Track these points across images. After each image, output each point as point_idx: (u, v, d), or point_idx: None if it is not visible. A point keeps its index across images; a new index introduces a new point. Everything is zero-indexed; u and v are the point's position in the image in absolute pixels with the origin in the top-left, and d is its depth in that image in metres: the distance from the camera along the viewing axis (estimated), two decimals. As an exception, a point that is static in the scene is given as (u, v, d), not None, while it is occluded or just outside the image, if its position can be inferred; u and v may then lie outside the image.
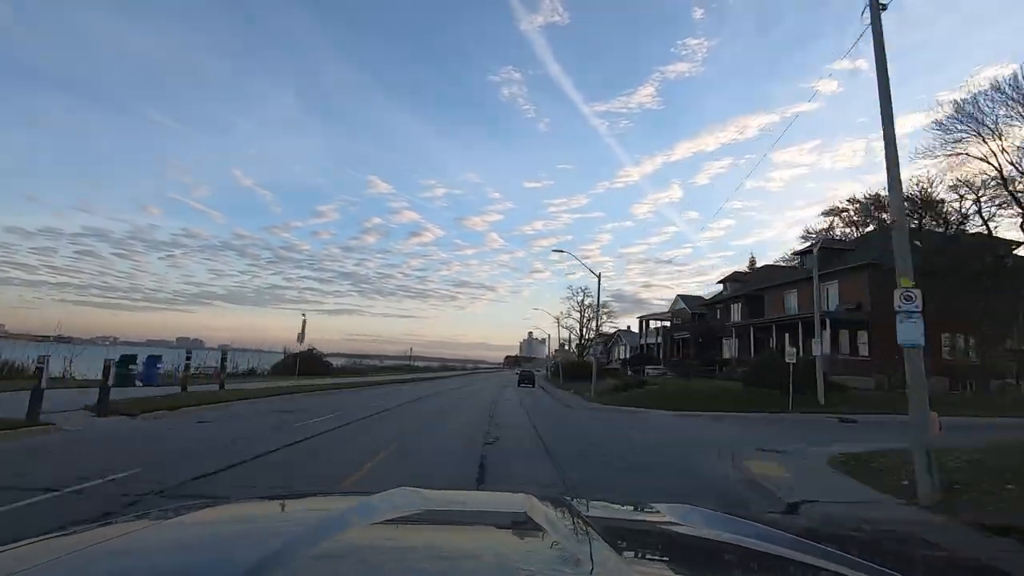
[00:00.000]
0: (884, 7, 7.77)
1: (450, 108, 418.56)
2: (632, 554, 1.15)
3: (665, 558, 1.24)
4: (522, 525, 1.24)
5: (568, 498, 1.57)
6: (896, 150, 7.49)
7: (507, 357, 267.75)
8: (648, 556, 1.23)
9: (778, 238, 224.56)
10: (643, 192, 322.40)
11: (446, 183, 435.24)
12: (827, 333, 25.92)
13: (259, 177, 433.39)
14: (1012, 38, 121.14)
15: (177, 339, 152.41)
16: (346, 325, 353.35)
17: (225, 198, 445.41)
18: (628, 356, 65.70)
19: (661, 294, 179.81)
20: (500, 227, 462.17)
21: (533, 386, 50.55)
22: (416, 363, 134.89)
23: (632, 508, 1.75)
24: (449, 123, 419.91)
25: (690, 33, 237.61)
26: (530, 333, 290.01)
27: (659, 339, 51.68)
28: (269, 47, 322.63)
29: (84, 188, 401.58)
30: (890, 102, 7.60)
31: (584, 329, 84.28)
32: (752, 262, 77.00)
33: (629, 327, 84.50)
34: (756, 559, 1.12)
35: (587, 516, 1.36)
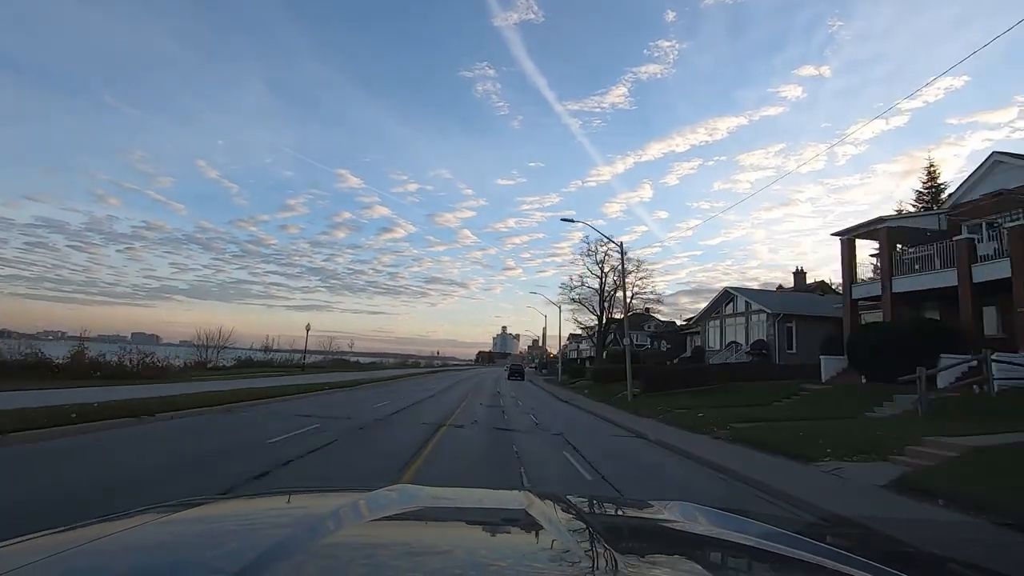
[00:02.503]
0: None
1: (423, 103, 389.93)
2: (630, 551, 1.09)
3: (663, 555, 1.19)
4: (520, 522, 1.22)
5: (568, 496, 1.53)
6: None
7: (480, 353, 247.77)
8: (646, 553, 1.18)
9: (746, 237, 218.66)
10: (614, 191, 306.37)
11: (418, 179, 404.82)
12: None
13: (225, 169, 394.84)
14: (963, 53, 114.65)
15: (132, 334, 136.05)
16: (313, 321, 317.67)
17: (189, 190, 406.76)
18: (757, 339, 32.84)
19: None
20: (472, 224, 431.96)
21: (522, 379, 51.76)
22: (356, 358, 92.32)
23: (631, 506, 1.76)
24: (422, 118, 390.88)
25: (662, 35, 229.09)
26: (504, 328, 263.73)
27: (940, 279, 18.60)
28: (237, 34, 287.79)
29: (37, 176, 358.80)
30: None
31: (608, 303, 50.13)
32: (932, 171, 42.01)
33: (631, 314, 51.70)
34: (754, 556, 1.10)
35: (586, 513, 1.34)
